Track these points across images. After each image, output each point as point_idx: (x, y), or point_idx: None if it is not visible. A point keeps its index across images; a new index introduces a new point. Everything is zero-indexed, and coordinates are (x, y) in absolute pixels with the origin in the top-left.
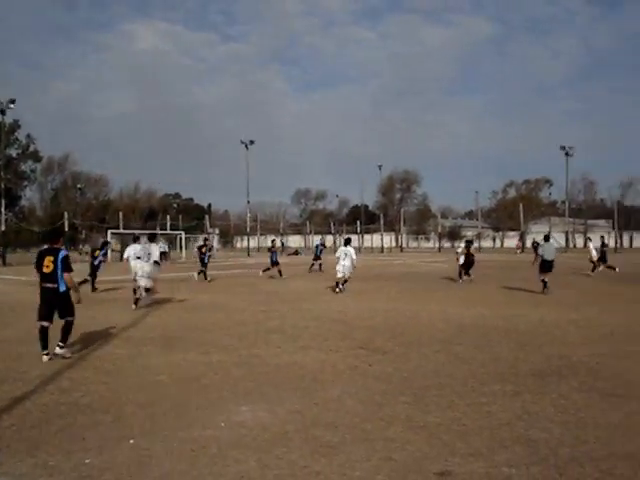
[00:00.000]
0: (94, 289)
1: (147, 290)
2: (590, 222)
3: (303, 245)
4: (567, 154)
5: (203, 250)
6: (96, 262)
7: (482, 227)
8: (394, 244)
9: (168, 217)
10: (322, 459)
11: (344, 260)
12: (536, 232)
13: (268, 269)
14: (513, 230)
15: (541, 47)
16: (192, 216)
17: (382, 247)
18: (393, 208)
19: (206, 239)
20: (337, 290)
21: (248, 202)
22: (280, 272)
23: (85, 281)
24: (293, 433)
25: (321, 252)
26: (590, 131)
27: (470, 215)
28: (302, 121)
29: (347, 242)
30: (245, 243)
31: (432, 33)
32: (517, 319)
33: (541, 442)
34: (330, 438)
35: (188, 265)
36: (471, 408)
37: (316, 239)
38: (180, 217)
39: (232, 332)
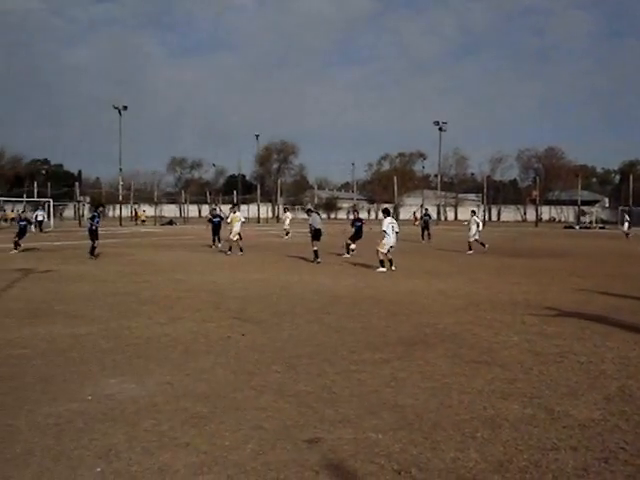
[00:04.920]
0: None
1: None
2: (461, 196)
3: (178, 215)
4: (440, 129)
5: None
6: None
7: (357, 199)
8: (271, 215)
9: (35, 184)
10: (192, 430)
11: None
12: (409, 205)
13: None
14: (388, 202)
15: (418, 24)
16: (62, 183)
17: (259, 217)
18: (270, 178)
19: (98, 208)
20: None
21: (120, 170)
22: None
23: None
24: (162, 405)
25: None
26: (462, 108)
27: (346, 187)
28: (178, 88)
29: (387, 213)
30: (117, 212)
31: (310, 4)
32: (387, 289)
33: (408, 408)
34: (200, 409)
35: (56, 234)
36: (341, 376)
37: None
38: (49, 184)
39: (101, 303)
